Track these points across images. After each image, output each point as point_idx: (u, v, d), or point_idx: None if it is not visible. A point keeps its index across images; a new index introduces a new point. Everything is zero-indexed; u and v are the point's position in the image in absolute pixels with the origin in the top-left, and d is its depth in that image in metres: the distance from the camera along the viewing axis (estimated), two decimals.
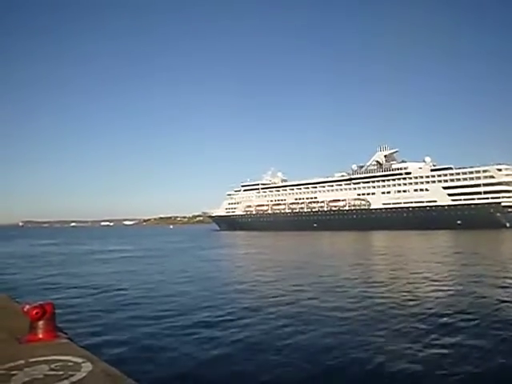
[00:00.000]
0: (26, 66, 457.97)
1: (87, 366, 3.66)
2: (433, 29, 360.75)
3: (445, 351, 8.18)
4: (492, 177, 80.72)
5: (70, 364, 3.73)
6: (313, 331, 9.79)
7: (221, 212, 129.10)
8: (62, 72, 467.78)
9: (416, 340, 8.91)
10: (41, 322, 4.58)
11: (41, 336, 4.56)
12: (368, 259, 28.49)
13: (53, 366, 3.69)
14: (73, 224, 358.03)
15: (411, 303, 12.80)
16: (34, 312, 4.49)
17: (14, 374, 3.51)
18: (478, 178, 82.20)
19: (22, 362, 3.82)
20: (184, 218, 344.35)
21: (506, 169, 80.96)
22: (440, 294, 14.42)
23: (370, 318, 11.05)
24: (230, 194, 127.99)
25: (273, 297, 14.47)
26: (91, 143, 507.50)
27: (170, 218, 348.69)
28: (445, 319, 10.72)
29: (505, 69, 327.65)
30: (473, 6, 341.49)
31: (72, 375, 3.45)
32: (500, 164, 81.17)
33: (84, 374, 3.48)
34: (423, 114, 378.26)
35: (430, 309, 11.88)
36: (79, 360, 3.83)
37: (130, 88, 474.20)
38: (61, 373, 3.52)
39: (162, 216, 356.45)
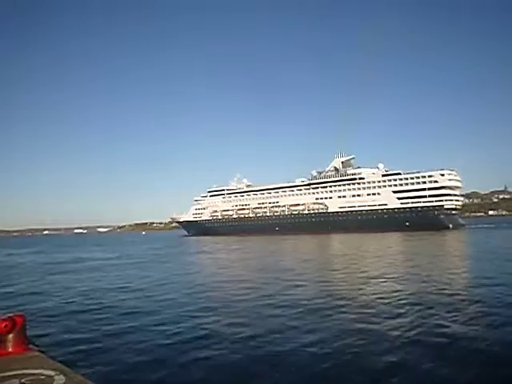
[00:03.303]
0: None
1: (60, 379, 3.53)
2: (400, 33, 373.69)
3: None
4: (436, 181, 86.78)
5: (41, 377, 3.60)
6: None
7: (188, 217, 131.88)
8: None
9: None
10: (10, 335, 4.41)
11: (11, 350, 4.40)
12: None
13: (24, 380, 3.55)
14: (45, 232, 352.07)
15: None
16: (3, 325, 4.33)
17: None
18: (424, 182, 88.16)
19: None
20: (160, 223, 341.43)
21: (449, 174, 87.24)
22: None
23: None
24: (197, 200, 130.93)
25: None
26: (61, 149, 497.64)
27: (146, 223, 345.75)
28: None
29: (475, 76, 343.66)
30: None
31: None
32: (443, 169, 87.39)
33: None
34: (383, 121, 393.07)
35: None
36: (52, 373, 3.70)
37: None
38: None
39: (137, 222, 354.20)
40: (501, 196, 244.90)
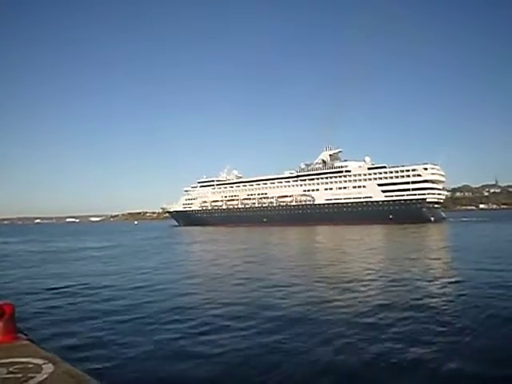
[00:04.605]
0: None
1: (48, 368, 3.54)
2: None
3: None
4: (419, 175, 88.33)
5: (30, 366, 3.61)
6: None
7: (178, 207, 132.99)
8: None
9: None
10: None
11: None
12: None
13: (11, 368, 3.55)
14: (37, 221, 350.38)
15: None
16: None
17: None
18: (408, 176, 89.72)
19: None
20: (153, 213, 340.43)
21: (432, 168, 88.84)
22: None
23: None
24: (187, 190, 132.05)
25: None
26: (52, 138, 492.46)
27: (139, 213, 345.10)
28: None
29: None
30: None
31: (32, 377, 3.34)
32: (426, 163, 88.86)
33: (45, 376, 3.37)
34: (376, 117, 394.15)
35: None
36: (40, 361, 3.71)
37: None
38: (20, 376, 3.41)
39: (130, 212, 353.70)
40: (491, 190, 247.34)
